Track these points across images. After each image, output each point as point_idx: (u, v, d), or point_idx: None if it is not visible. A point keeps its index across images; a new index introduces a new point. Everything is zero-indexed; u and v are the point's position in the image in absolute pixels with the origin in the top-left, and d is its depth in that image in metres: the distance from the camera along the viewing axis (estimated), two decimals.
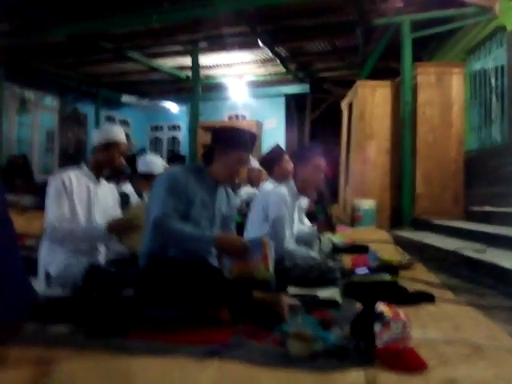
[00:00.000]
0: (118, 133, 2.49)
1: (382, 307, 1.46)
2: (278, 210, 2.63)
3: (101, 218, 2.39)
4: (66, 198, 2.28)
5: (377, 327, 1.41)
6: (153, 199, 2.00)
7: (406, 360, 1.36)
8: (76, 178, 2.35)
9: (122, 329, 1.71)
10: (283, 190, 2.72)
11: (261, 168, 4.25)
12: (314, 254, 2.76)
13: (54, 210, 2.24)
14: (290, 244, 2.66)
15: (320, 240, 3.03)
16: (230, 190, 2.29)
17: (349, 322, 1.65)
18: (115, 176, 2.94)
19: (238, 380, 1.27)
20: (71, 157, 10.55)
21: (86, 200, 2.38)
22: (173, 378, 1.26)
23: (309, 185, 2.75)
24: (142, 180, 3.52)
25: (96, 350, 1.48)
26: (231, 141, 2.08)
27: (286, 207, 2.66)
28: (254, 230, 2.76)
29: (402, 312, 1.47)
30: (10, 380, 1.25)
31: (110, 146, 2.43)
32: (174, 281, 1.80)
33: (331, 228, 2.85)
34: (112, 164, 2.46)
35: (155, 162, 3.54)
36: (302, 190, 2.78)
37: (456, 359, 1.43)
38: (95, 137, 2.46)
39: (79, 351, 1.48)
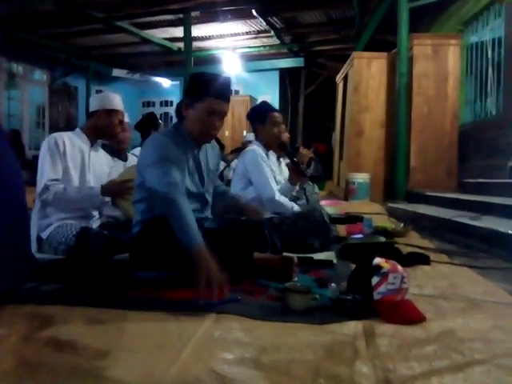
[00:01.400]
0: (120, 102, 2.44)
1: (379, 260, 1.45)
2: (256, 165, 2.66)
3: (95, 183, 2.34)
4: (59, 158, 2.21)
5: (374, 280, 1.40)
6: (145, 166, 1.81)
7: (403, 311, 1.35)
8: (70, 141, 2.28)
9: (116, 288, 1.69)
10: (254, 147, 2.77)
11: None
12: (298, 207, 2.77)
13: (48, 171, 2.17)
14: (279, 196, 2.66)
15: (305, 190, 3.02)
16: (213, 141, 2.07)
17: (345, 279, 1.65)
18: (117, 152, 2.89)
19: (235, 331, 1.25)
20: (62, 131, 10.38)
21: (80, 164, 2.31)
22: (169, 330, 1.24)
23: (271, 140, 2.81)
24: None
25: (89, 306, 1.46)
26: (196, 90, 1.80)
27: (263, 160, 2.69)
28: None
29: (399, 265, 1.46)
30: (2, 334, 1.22)
31: (112, 112, 2.36)
32: (172, 244, 1.70)
33: (302, 175, 2.82)
34: (113, 131, 2.39)
35: None
36: (268, 147, 2.85)
37: (453, 312, 1.43)
38: (96, 102, 2.37)
39: (72, 307, 1.46)
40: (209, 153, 2.06)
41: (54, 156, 2.19)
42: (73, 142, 2.31)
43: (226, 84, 1.86)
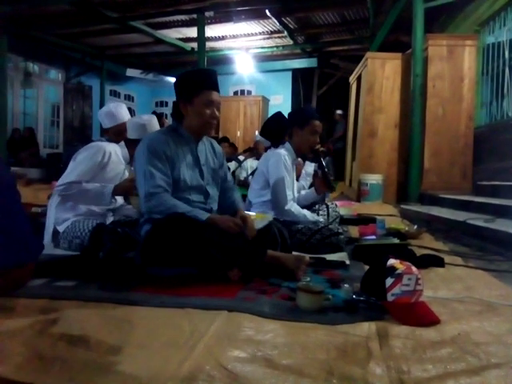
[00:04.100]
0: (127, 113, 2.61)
1: (393, 261, 1.43)
2: (277, 171, 2.60)
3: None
4: (96, 170, 2.33)
5: (388, 281, 1.38)
6: (138, 171, 1.91)
7: (418, 313, 1.33)
8: (115, 154, 2.44)
9: (128, 284, 1.70)
10: (282, 151, 2.69)
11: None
12: (317, 217, 2.72)
13: (77, 174, 2.27)
14: (292, 205, 2.62)
15: (327, 206, 2.98)
16: (213, 141, 2.19)
17: (358, 280, 1.63)
18: None
19: (247, 329, 1.25)
20: (76, 130, 10.50)
21: (117, 177, 2.45)
22: (181, 327, 1.24)
23: (304, 147, 2.74)
24: None
25: (102, 302, 1.47)
26: (190, 85, 1.90)
27: (286, 168, 2.62)
28: (253, 197, 2.75)
29: (413, 267, 1.44)
30: (17, 327, 1.24)
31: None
32: (184, 240, 1.74)
33: (329, 186, 2.79)
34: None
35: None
36: (298, 152, 2.77)
37: (468, 315, 1.41)
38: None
39: (85, 302, 1.47)
40: (208, 150, 2.12)
41: (92, 167, 2.31)
42: (118, 154, 2.46)
43: (215, 76, 1.96)
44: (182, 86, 1.95)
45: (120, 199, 2.53)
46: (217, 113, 1.94)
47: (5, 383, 0.93)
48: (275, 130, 3.52)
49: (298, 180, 3.17)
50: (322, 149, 2.83)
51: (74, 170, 2.29)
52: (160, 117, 4.08)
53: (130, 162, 2.96)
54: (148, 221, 1.91)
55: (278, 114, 3.59)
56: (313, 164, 3.24)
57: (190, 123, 1.96)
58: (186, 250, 1.75)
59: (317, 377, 0.97)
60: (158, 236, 1.82)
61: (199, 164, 2.03)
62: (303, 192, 3.02)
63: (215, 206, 2.09)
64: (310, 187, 3.17)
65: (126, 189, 2.30)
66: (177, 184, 1.92)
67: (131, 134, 2.40)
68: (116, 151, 2.45)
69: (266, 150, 3.59)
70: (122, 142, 2.52)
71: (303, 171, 3.31)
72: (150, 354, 1.07)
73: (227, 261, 1.75)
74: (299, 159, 3.11)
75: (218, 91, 1.95)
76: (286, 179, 2.59)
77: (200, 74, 1.96)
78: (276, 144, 2.88)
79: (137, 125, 2.39)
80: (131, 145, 2.37)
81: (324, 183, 2.78)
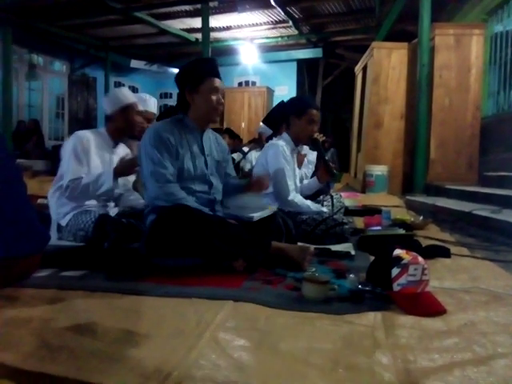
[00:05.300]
0: (129, 93, 2.46)
1: (399, 251, 1.42)
2: (276, 162, 2.59)
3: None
4: (83, 158, 2.24)
5: (394, 271, 1.38)
6: (145, 158, 1.92)
7: (424, 303, 1.33)
8: (94, 142, 2.32)
9: (135, 275, 1.70)
10: (280, 142, 2.68)
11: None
12: (321, 208, 2.71)
13: (72, 171, 2.20)
14: (295, 196, 2.62)
15: (332, 197, 2.97)
16: (219, 136, 2.22)
17: (363, 270, 1.63)
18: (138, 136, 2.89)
19: (253, 318, 1.25)
20: (81, 122, 10.51)
21: (102, 164, 2.34)
22: (187, 317, 1.25)
23: (302, 137, 2.72)
24: None
25: (108, 292, 1.48)
26: (194, 75, 1.96)
27: (285, 159, 2.62)
28: None
29: (420, 257, 1.43)
30: (24, 317, 1.25)
31: (127, 109, 2.38)
32: (189, 231, 1.74)
33: (331, 174, 2.78)
34: (132, 128, 2.45)
35: None
36: (296, 142, 2.76)
37: (475, 305, 1.40)
38: (109, 104, 2.38)
39: (91, 292, 1.48)
40: (213, 142, 2.14)
41: (78, 155, 2.23)
42: (97, 142, 2.34)
43: (216, 63, 2.04)
44: (186, 76, 1.98)
45: (121, 189, 2.48)
46: (220, 98, 1.98)
47: (12, 372, 0.94)
48: (277, 117, 3.50)
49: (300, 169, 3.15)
50: (323, 138, 2.77)
51: (67, 169, 2.22)
52: (175, 113, 4.02)
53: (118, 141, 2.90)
54: (153, 211, 1.91)
55: (281, 103, 3.56)
56: (315, 152, 3.22)
57: (196, 112, 1.99)
58: (191, 241, 1.75)
59: (322, 366, 0.97)
60: (162, 226, 1.83)
61: (204, 153, 2.04)
62: (305, 182, 3.01)
63: (219, 196, 2.10)
64: (312, 176, 3.16)
65: (128, 166, 2.24)
66: (181, 173, 1.93)
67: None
68: (95, 139, 2.33)
69: (267, 140, 3.58)
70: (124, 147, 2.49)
71: (305, 160, 3.30)
72: (157, 343, 1.07)
73: (232, 252, 1.76)
74: (304, 147, 3.08)
75: (221, 78, 2.01)
76: (285, 170, 2.58)
77: (202, 63, 2.02)
78: (276, 133, 2.86)
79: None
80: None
81: (326, 171, 2.77)
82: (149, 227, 1.90)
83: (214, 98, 1.95)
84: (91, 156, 2.28)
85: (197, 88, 1.95)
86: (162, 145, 1.88)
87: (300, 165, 3.11)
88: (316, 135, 2.73)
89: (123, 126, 2.41)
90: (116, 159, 2.40)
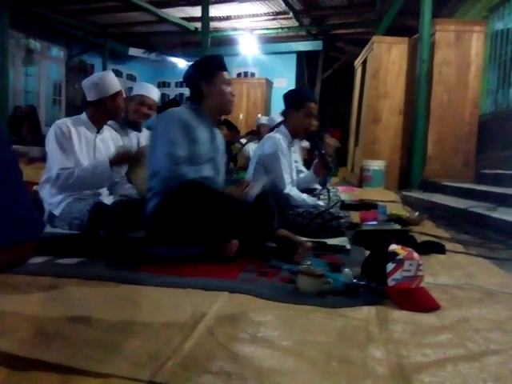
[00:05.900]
0: (116, 80, 2.42)
1: (395, 247, 1.43)
2: (273, 157, 2.59)
3: None
4: (67, 146, 2.21)
5: (389, 266, 1.39)
6: (162, 139, 1.94)
7: (418, 299, 1.34)
8: (75, 128, 2.28)
9: (131, 264, 1.70)
10: (277, 135, 2.68)
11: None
12: (317, 201, 2.71)
13: (59, 160, 2.16)
14: (291, 189, 2.62)
15: (328, 191, 2.98)
16: (218, 131, 2.27)
17: (358, 265, 1.64)
18: (133, 124, 2.86)
19: (248, 310, 1.25)
20: (78, 109, 10.42)
21: (87, 151, 2.32)
22: (183, 307, 1.25)
23: (300, 130, 2.71)
24: None
25: (104, 280, 1.48)
26: (209, 69, 2.08)
27: (282, 152, 2.61)
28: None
29: (415, 253, 1.44)
30: (19, 304, 1.24)
31: (116, 95, 2.36)
32: (199, 205, 1.78)
33: (327, 167, 2.78)
34: (118, 113, 2.43)
35: None
36: (293, 135, 2.74)
37: (468, 302, 1.41)
38: (94, 90, 2.31)
39: (87, 280, 1.48)
40: (218, 135, 2.21)
41: (61, 144, 2.19)
42: (78, 128, 2.30)
43: (223, 58, 2.18)
44: (203, 68, 2.10)
45: (115, 176, 2.45)
46: (231, 90, 2.11)
47: (7, 358, 0.93)
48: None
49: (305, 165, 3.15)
50: (315, 127, 2.75)
51: (53, 159, 2.19)
52: (178, 104, 3.97)
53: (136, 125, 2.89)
54: (156, 194, 1.92)
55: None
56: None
57: (210, 103, 2.08)
58: (198, 219, 1.79)
59: (316, 359, 0.98)
60: (169, 206, 1.84)
61: (215, 140, 2.13)
62: (302, 175, 3.01)
63: (222, 184, 2.17)
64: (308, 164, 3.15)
65: (124, 159, 2.23)
66: (194, 157, 1.98)
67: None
68: (75, 125, 2.29)
69: (269, 132, 3.56)
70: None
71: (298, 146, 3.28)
72: (151, 332, 1.08)
73: (240, 227, 1.82)
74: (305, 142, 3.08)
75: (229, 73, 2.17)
76: (282, 163, 2.58)
77: (215, 58, 2.17)
78: None
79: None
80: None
81: (322, 165, 2.77)
82: (152, 211, 1.89)
83: (227, 89, 2.08)
84: (74, 143, 2.25)
85: (212, 80, 2.06)
86: (183, 127, 1.95)
87: (304, 159, 3.10)
88: (313, 128, 2.73)
89: (111, 111, 2.37)
90: (101, 145, 2.39)
